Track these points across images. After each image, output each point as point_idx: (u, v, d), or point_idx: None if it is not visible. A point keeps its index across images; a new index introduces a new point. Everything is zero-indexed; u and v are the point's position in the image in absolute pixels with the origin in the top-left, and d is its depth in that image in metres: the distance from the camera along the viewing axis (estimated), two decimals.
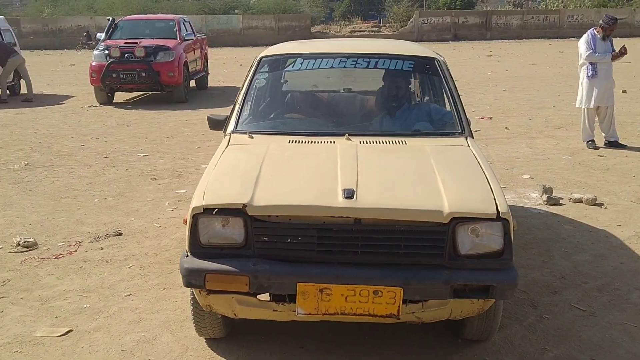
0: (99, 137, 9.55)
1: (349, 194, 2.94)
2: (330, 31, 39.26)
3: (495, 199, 2.95)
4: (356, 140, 3.65)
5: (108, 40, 13.40)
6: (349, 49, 4.45)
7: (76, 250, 4.89)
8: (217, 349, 3.43)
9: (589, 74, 7.94)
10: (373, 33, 37.51)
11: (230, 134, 3.89)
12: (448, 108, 4.08)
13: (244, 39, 36.03)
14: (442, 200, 2.92)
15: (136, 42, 12.94)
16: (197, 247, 2.98)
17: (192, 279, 2.94)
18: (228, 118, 4.05)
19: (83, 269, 4.55)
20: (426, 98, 4.62)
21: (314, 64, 4.20)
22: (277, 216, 2.93)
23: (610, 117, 8.14)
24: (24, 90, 14.24)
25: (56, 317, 3.83)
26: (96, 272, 4.49)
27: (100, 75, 12.54)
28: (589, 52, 7.89)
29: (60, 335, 3.60)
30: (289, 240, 2.92)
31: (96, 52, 13.09)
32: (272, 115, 4.29)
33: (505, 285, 2.87)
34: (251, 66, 4.33)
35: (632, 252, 4.73)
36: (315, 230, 2.90)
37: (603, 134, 8.28)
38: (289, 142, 3.69)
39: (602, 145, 8.19)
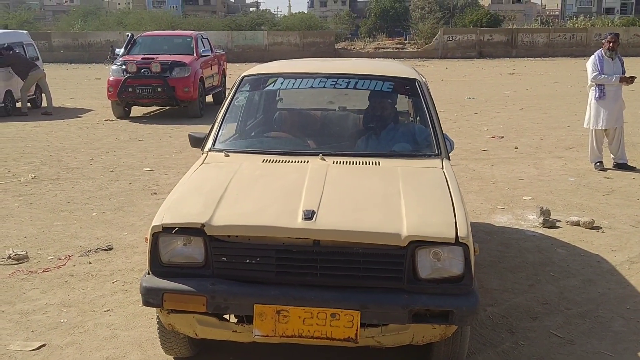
0: (109, 151, 9.68)
1: (309, 215, 2.92)
2: (354, 48, 39.38)
3: (456, 223, 2.91)
4: (330, 160, 3.64)
5: (127, 56, 13.64)
6: (329, 69, 4.45)
7: (64, 264, 4.94)
8: None
9: (597, 96, 7.84)
10: (397, 50, 37.52)
11: (208, 152, 3.91)
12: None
13: (269, 55, 36.24)
14: (402, 224, 2.89)
15: (153, 58, 13.13)
16: (157, 266, 2.99)
17: (150, 298, 2.94)
18: (207, 136, 4.07)
19: (68, 283, 4.59)
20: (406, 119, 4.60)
21: (294, 83, 4.22)
22: (236, 236, 2.93)
23: (619, 139, 8.00)
24: (45, 103, 14.54)
25: (32, 331, 3.87)
26: (80, 287, 4.53)
27: (117, 89, 12.77)
28: (594, 74, 7.79)
29: (33, 350, 3.63)
30: (247, 260, 2.92)
31: (114, 67, 13.32)
32: (253, 134, 4.30)
33: (465, 311, 2.82)
34: (233, 85, 4.36)
35: (622, 278, 4.62)
36: (274, 251, 2.90)
37: (612, 156, 8.13)
38: (263, 161, 3.69)
39: (611, 167, 8.05)
